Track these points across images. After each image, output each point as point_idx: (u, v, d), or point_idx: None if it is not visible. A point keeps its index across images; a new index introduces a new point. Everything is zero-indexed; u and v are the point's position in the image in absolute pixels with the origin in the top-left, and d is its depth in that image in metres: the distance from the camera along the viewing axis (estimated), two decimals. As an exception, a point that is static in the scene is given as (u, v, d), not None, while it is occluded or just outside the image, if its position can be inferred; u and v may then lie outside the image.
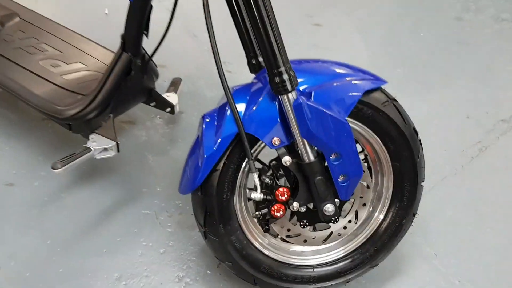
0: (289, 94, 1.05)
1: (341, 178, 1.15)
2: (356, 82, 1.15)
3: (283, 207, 1.17)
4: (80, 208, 1.61)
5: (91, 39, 1.76)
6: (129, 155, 1.77)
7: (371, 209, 1.32)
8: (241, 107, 1.11)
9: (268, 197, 1.17)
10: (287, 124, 1.10)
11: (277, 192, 1.16)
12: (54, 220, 1.57)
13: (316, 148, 1.14)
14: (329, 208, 1.17)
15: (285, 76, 1.03)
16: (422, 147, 1.26)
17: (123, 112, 1.59)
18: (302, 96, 1.07)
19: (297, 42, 2.35)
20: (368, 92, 1.15)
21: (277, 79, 1.04)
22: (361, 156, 1.28)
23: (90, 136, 1.46)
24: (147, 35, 1.39)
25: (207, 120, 1.15)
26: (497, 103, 2.08)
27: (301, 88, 1.10)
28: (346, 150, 1.11)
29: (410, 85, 2.18)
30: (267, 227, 1.22)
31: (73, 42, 1.75)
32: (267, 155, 1.23)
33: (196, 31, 2.31)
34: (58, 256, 1.47)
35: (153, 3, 1.31)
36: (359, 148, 1.22)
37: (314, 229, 1.33)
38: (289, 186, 1.20)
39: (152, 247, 1.50)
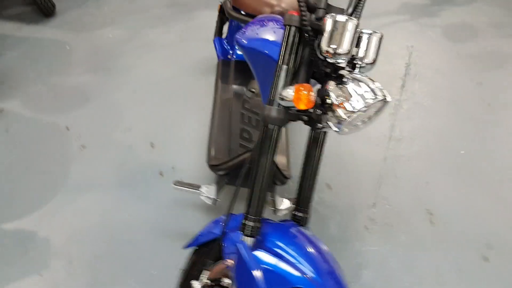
0: (246, 237, 1.23)
1: None
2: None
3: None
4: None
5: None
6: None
7: None
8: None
9: None
10: None
11: None
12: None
13: None
14: None
15: (249, 223, 1.23)
16: None
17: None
18: (249, 245, 1.23)
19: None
20: None
21: (244, 220, 1.23)
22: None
23: (211, 183, 1.88)
24: None
25: None
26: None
27: (265, 243, 1.24)
28: None
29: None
30: None
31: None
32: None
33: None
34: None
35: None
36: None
37: None
38: None
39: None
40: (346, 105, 1.15)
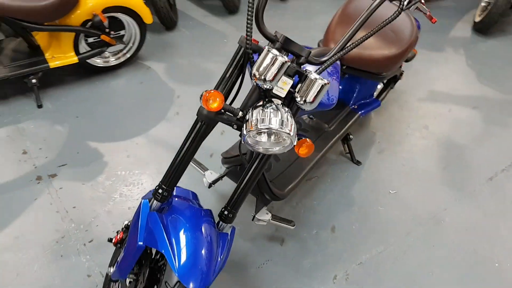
0: (154, 200, 1.52)
1: None
2: None
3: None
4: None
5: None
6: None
7: None
8: None
9: None
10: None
11: None
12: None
13: None
14: None
15: (160, 190, 1.50)
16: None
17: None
18: (153, 207, 1.52)
19: None
20: None
21: (157, 187, 1.51)
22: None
23: (217, 172, 2.18)
24: None
25: None
26: None
27: (167, 213, 1.50)
28: None
29: None
30: None
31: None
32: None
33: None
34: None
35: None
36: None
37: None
38: None
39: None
40: (251, 122, 1.37)
